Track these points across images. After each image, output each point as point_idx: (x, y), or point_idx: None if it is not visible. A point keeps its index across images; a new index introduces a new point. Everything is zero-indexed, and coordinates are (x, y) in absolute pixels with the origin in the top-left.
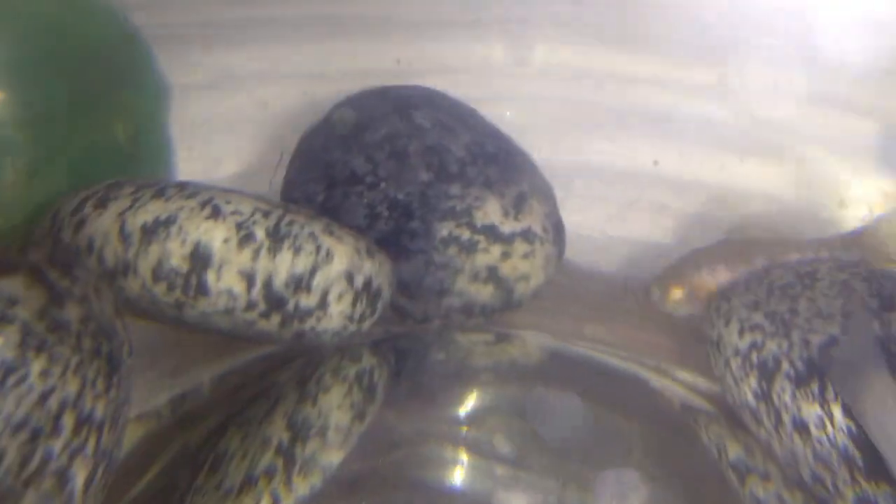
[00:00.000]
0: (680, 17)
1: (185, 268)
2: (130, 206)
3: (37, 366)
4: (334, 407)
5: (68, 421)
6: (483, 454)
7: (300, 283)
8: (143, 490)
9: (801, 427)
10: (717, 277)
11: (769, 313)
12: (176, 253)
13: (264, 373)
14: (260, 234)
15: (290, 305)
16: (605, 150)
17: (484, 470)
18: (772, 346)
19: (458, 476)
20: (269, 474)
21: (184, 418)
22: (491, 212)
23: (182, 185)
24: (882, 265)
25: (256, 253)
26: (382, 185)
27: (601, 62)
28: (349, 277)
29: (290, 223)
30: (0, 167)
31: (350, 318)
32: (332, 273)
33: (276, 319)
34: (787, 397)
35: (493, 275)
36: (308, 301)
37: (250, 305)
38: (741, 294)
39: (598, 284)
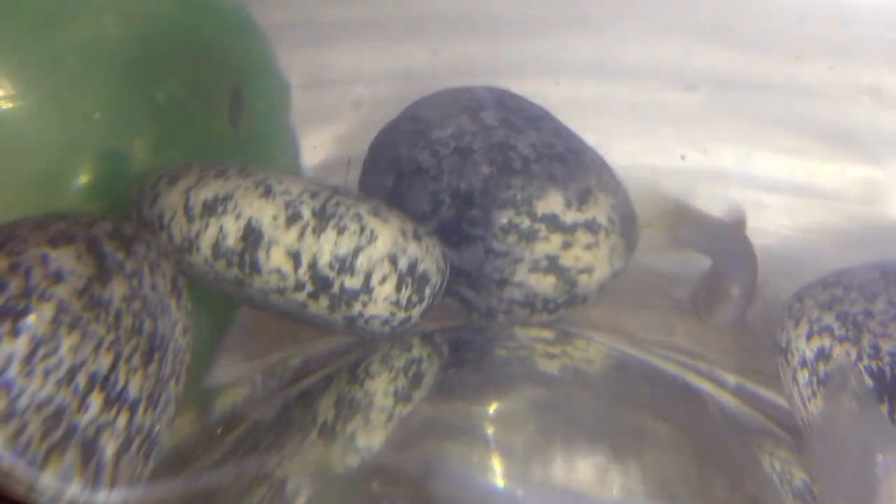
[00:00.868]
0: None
1: (239, 246)
2: (195, 184)
3: (68, 342)
4: (379, 392)
5: (96, 396)
6: (516, 454)
7: (344, 264)
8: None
9: None
10: None
11: (841, 314)
12: (231, 230)
13: (330, 359)
14: (306, 213)
15: (336, 287)
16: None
17: (516, 474)
18: (840, 355)
19: (488, 476)
20: (310, 450)
21: (264, 394)
22: (553, 202)
23: (242, 167)
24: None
25: (302, 232)
26: (445, 177)
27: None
28: (393, 259)
29: (337, 204)
30: (132, 146)
31: (396, 304)
32: (376, 254)
33: (324, 302)
34: None
35: (553, 265)
36: (352, 283)
37: (299, 285)
38: (817, 291)
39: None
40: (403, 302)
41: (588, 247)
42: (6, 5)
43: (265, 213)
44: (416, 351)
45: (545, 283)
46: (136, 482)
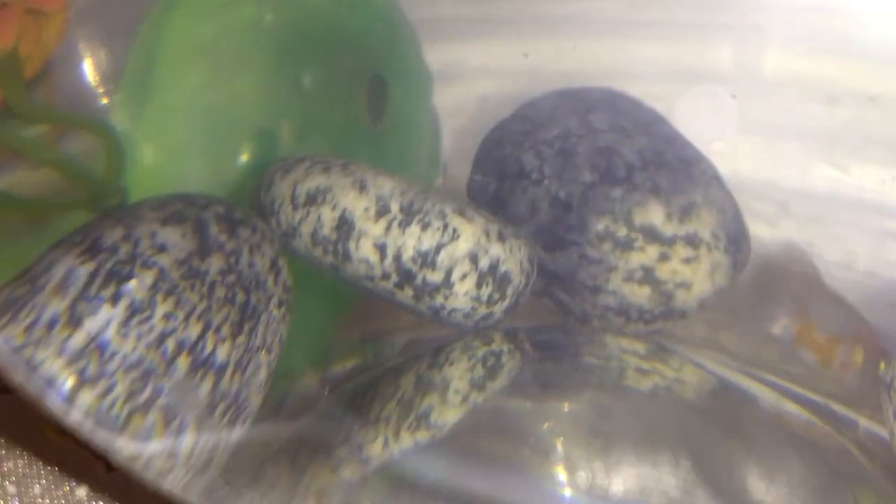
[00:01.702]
0: None
1: (333, 235)
2: (303, 177)
3: (162, 309)
4: (455, 377)
5: (183, 361)
6: (578, 462)
7: (426, 259)
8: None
9: None
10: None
11: None
12: (327, 219)
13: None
14: (394, 207)
15: (419, 280)
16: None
17: (572, 482)
18: None
19: (542, 479)
20: (386, 420)
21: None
22: (653, 213)
23: (346, 164)
24: None
25: (389, 225)
26: (546, 181)
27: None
28: (474, 258)
29: (424, 201)
30: (280, 128)
31: (477, 300)
32: (457, 252)
33: (409, 292)
34: None
35: (649, 276)
36: (433, 277)
37: (385, 275)
38: None
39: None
40: (484, 298)
41: (687, 261)
42: None
43: (358, 205)
44: (497, 345)
45: (640, 294)
46: (221, 444)
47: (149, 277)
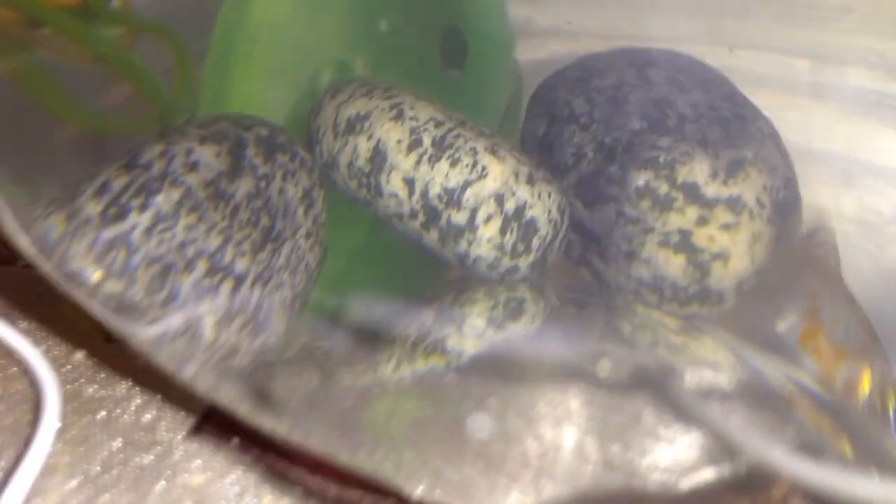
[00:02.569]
0: None
1: (367, 167)
2: (346, 100)
3: (184, 221)
4: (474, 314)
5: (201, 265)
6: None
7: (452, 197)
8: None
9: None
10: None
11: None
12: (363, 150)
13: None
14: (427, 141)
15: (443, 220)
16: None
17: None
18: None
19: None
20: (403, 340)
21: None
22: (697, 169)
23: (388, 87)
24: None
25: (419, 159)
26: (594, 126)
27: None
28: (499, 199)
29: (457, 136)
30: (354, 61)
31: (501, 249)
32: (484, 191)
33: (434, 234)
34: None
35: (685, 241)
36: (458, 218)
37: (412, 213)
38: None
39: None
40: (508, 248)
41: (726, 227)
42: None
43: (392, 136)
44: (521, 293)
45: (674, 264)
46: (242, 351)
47: (176, 194)
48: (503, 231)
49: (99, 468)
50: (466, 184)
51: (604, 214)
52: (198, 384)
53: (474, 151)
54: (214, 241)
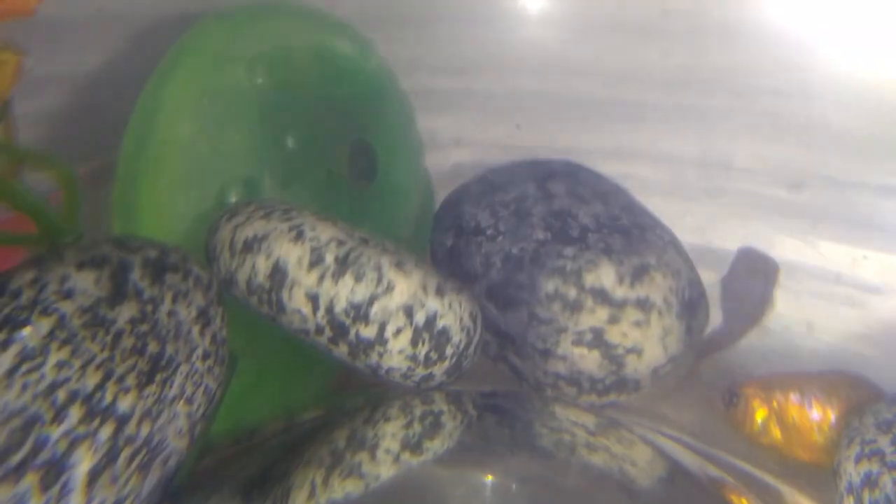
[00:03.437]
0: None
1: (267, 283)
2: (243, 222)
3: (54, 357)
4: (388, 434)
5: (75, 411)
6: None
7: (359, 312)
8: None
9: None
10: (809, 410)
11: None
12: (262, 268)
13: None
14: (329, 258)
15: (352, 335)
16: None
17: None
18: (886, 483)
19: None
20: (319, 464)
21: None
22: (604, 275)
23: (287, 210)
24: None
25: (322, 276)
26: (500, 238)
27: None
28: (408, 312)
29: (361, 254)
30: (261, 178)
31: (414, 359)
32: (392, 305)
33: (344, 348)
34: None
35: (598, 339)
36: (367, 332)
37: (319, 329)
38: (882, 408)
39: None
40: (421, 357)
41: (637, 324)
42: (197, 44)
43: (292, 254)
44: (438, 406)
45: (590, 359)
46: (133, 486)
47: (46, 325)
48: (414, 342)
49: None
50: (373, 298)
51: (517, 317)
52: None
53: (379, 266)
54: (92, 379)
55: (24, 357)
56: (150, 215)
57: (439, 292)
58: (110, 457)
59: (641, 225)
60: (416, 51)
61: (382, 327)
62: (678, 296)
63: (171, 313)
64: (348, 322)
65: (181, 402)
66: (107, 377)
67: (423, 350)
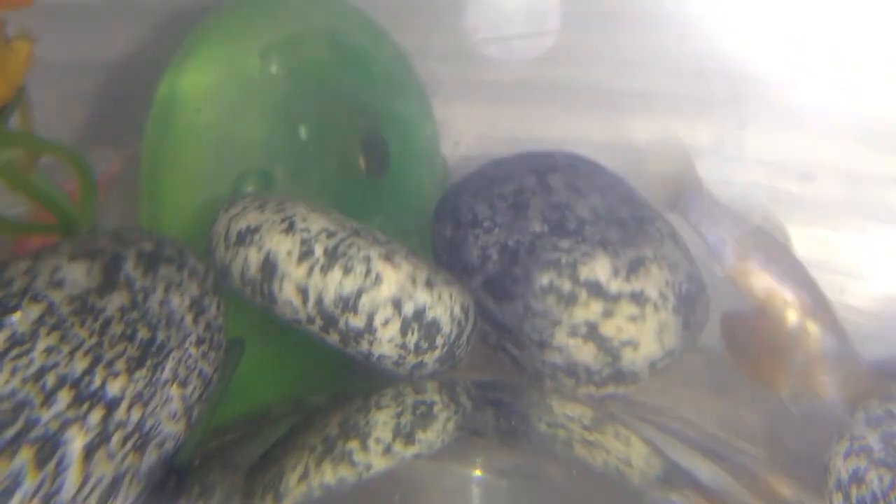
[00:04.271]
0: None
1: (259, 276)
2: (238, 213)
3: (43, 343)
4: (380, 423)
5: (64, 395)
6: None
7: (347, 304)
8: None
9: None
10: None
11: (888, 435)
12: (253, 261)
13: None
14: (318, 250)
15: (342, 324)
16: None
17: None
18: (872, 480)
19: None
20: (311, 449)
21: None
22: (598, 268)
23: (282, 200)
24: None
25: (311, 269)
26: (496, 230)
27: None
28: (396, 303)
29: (350, 245)
30: (274, 170)
31: (403, 348)
32: (379, 297)
33: (335, 336)
34: None
35: (593, 332)
36: (356, 322)
37: (309, 319)
38: (874, 404)
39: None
40: (411, 346)
41: (632, 318)
42: (214, 35)
43: (282, 247)
44: (430, 396)
45: (585, 351)
46: (131, 463)
47: (35, 311)
48: (403, 332)
49: None
50: (361, 290)
51: (513, 309)
52: None
53: (368, 259)
54: (81, 364)
55: (13, 342)
56: (173, 205)
57: (429, 284)
58: (103, 436)
59: (640, 217)
60: (424, 40)
61: (371, 318)
62: (675, 289)
63: (163, 302)
64: (337, 313)
65: (174, 385)
66: (95, 362)
67: (412, 339)
